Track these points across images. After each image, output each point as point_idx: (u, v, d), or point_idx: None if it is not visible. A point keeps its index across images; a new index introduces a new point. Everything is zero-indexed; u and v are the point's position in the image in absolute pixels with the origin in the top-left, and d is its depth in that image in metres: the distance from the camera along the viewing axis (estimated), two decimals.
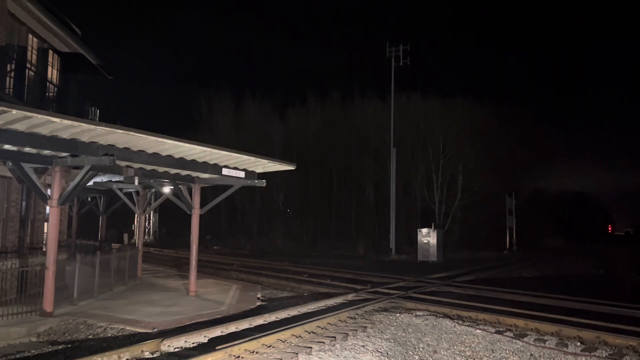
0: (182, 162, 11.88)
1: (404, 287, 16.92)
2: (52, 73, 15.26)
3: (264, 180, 14.55)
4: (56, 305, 10.85)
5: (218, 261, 27.66)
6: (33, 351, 8.54)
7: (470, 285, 17.96)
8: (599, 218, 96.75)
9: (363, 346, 8.60)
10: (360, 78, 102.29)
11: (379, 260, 31.98)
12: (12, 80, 13.04)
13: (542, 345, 9.01)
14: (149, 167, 12.39)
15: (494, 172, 43.58)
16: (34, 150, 10.04)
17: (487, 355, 8.55)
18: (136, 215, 20.86)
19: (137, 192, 18.72)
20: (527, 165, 53.39)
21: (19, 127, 8.71)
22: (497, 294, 15.49)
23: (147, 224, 48.02)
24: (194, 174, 13.66)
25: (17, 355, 8.27)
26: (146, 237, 46.01)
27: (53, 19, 14.35)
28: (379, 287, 16.45)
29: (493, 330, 10.10)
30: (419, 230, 32.67)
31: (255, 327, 10.10)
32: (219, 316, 11.36)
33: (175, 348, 8.39)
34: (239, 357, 7.77)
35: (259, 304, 13.33)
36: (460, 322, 10.76)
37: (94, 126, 8.85)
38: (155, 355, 8.02)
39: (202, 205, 14.69)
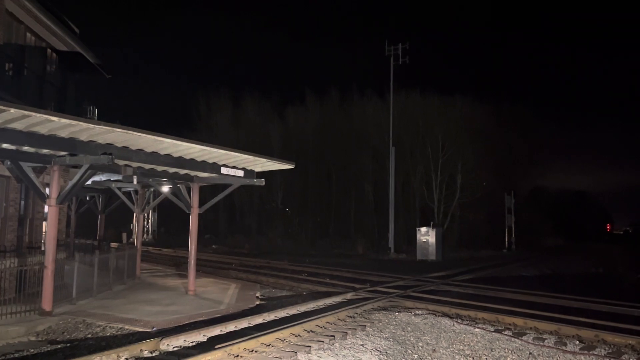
0: (180, 161, 11.86)
1: (402, 286, 16.93)
2: (51, 72, 15.22)
3: (262, 179, 14.53)
4: (55, 305, 10.84)
5: (217, 260, 27.66)
6: (32, 350, 8.53)
7: (469, 284, 17.97)
8: (598, 217, 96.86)
9: (362, 345, 8.60)
10: (359, 77, 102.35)
11: (377, 259, 32.00)
12: (10, 79, 13.01)
13: (541, 344, 9.01)
14: (147, 166, 12.37)
15: (493, 171, 43.61)
16: (32, 149, 10.02)
17: (486, 354, 8.55)
18: (135, 214, 20.83)
19: (136, 191, 18.70)
20: (527, 164, 53.46)
21: (18, 126, 8.69)
22: (496, 293, 15.50)
23: (145, 223, 47.98)
24: (193, 172, 13.63)
25: (16, 355, 8.26)
26: (145, 236, 45.98)
27: (51, 17, 14.31)
28: (377, 286, 16.46)
29: (492, 329, 10.11)
30: (418, 229, 32.70)
31: (255, 326, 10.10)
32: (218, 315, 11.36)
33: (174, 347, 8.39)
34: (238, 356, 7.76)
35: (258, 303, 13.32)
36: (459, 320, 10.78)
37: (92, 125, 8.83)
38: (154, 355, 8.01)
39: (200, 204, 14.67)
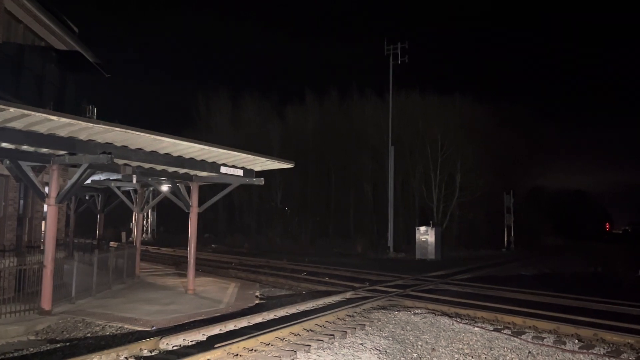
0: (180, 160, 11.86)
1: (402, 285, 16.95)
2: (50, 71, 15.21)
3: (262, 179, 14.53)
4: (54, 304, 10.83)
5: (216, 259, 27.66)
6: (31, 349, 8.53)
7: (468, 283, 17.99)
8: (598, 216, 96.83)
9: (362, 344, 8.61)
10: (358, 76, 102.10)
11: (377, 258, 32.00)
12: (9, 78, 12.99)
13: (540, 342, 9.02)
14: (146, 165, 12.37)
15: (492, 170, 43.59)
16: (31, 149, 10.01)
17: (485, 352, 8.56)
18: (134, 213, 20.84)
19: (135, 191, 18.69)
20: (526, 164, 53.47)
21: (17, 125, 8.69)
22: (495, 292, 15.52)
23: (145, 222, 47.95)
24: (192, 172, 13.63)
25: (16, 354, 8.25)
26: (144, 235, 45.92)
27: (50, 16, 14.29)
28: (377, 285, 16.47)
29: (491, 327, 10.12)
30: (417, 228, 32.72)
31: (254, 325, 10.10)
32: (218, 314, 11.36)
33: (173, 346, 8.39)
34: (237, 355, 7.77)
35: (257, 302, 13.33)
36: (458, 319, 10.79)
37: (91, 124, 8.83)
38: (154, 354, 8.01)
39: (200, 203, 14.66)
